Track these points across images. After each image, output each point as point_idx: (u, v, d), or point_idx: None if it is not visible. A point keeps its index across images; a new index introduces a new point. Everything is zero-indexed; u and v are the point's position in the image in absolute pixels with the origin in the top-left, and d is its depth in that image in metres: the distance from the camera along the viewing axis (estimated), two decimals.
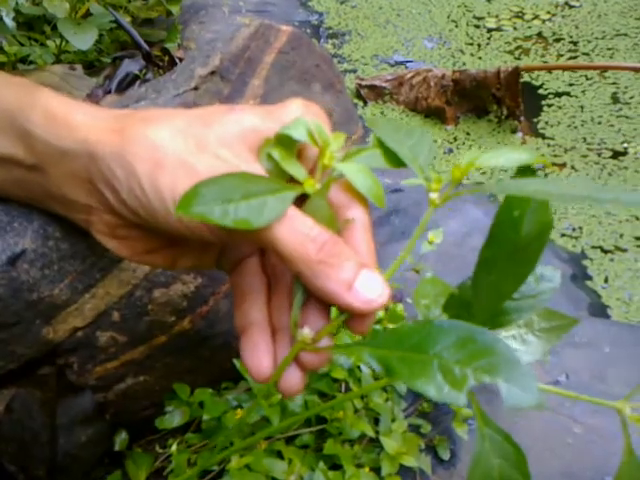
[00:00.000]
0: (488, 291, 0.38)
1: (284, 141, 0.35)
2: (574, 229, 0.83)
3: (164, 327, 0.50)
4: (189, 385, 0.53)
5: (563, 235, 0.82)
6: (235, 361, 0.52)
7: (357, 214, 0.35)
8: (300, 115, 0.35)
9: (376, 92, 1.03)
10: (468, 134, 1.03)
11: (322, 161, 0.34)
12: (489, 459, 0.44)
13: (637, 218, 0.85)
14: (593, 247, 0.81)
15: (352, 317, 0.34)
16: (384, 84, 1.03)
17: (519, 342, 0.57)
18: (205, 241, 0.36)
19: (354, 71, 1.12)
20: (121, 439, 0.53)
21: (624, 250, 0.80)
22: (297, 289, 0.35)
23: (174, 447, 0.51)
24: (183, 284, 0.50)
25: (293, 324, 0.35)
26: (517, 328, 0.58)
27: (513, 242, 0.37)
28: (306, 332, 0.34)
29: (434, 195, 0.34)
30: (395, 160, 0.37)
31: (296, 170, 0.34)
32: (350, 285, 0.32)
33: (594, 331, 0.68)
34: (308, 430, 0.51)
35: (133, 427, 0.54)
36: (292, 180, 0.35)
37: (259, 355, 0.36)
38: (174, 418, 0.52)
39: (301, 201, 0.34)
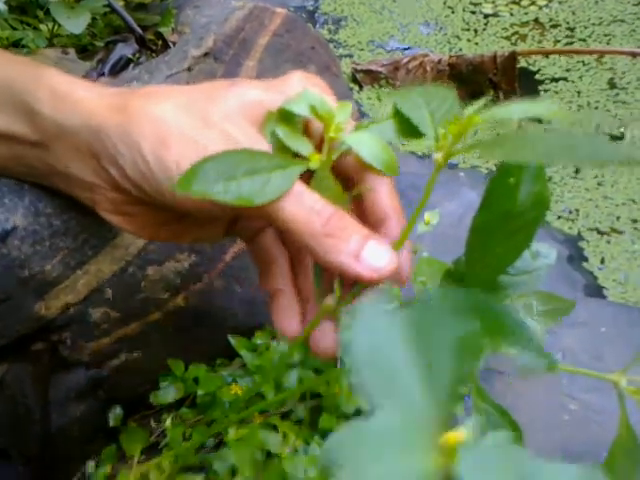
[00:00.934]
0: (483, 260, 0.38)
1: (288, 116, 0.34)
2: (570, 212, 0.83)
3: (158, 304, 0.50)
4: (184, 362, 0.53)
5: (559, 217, 0.82)
6: (230, 338, 0.52)
7: (375, 182, 0.36)
8: (302, 88, 0.35)
9: (372, 77, 1.03)
10: None
11: (328, 134, 0.34)
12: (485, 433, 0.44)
13: (634, 201, 0.84)
14: (589, 229, 0.80)
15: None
16: (380, 69, 1.02)
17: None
18: (212, 216, 0.37)
19: (350, 56, 1.12)
20: (115, 415, 0.53)
21: (621, 232, 0.80)
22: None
23: (168, 422, 0.51)
24: (176, 261, 0.50)
25: (317, 295, 0.36)
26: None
27: (508, 210, 0.37)
28: (329, 301, 0.35)
29: (438, 155, 0.33)
30: (410, 130, 0.35)
31: (300, 145, 0.34)
32: (357, 255, 0.32)
33: (590, 311, 0.68)
34: (303, 405, 0.51)
35: (127, 403, 0.54)
36: (298, 155, 0.34)
37: (288, 318, 0.38)
38: (168, 393, 0.52)
39: (309, 176, 0.34)
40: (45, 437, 0.48)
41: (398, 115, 0.36)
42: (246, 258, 0.55)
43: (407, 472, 0.19)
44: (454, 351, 0.22)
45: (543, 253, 0.42)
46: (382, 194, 0.36)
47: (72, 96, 0.37)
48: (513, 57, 1.03)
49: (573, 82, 1.09)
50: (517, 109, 0.34)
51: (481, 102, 0.33)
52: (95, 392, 0.51)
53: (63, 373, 0.49)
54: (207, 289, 0.52)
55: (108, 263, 0.47)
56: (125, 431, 0.53)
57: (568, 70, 1.13)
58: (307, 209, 0.32)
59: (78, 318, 0.48)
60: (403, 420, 0.21)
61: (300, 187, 0.33)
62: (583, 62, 1.15)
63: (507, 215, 0.37)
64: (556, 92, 1.07)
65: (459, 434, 0.19)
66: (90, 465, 0.50)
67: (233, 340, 0.52)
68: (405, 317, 0.23)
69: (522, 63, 1.12)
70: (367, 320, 0.23)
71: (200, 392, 0.50)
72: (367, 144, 0.34)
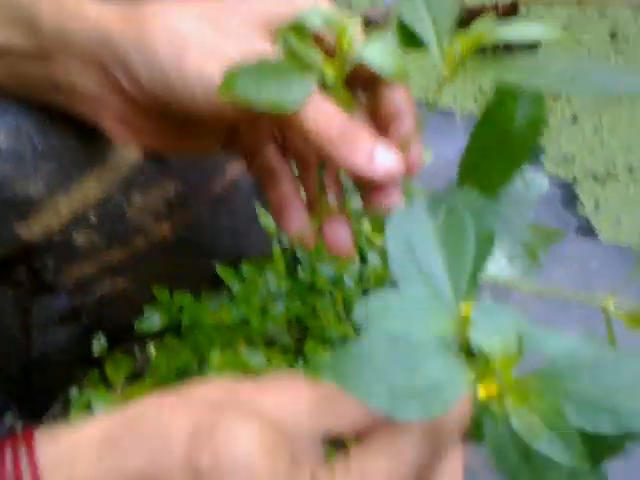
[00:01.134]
0: (475, 182, 0.37)
1: (300, 29, 0.35)
2: (567, 157, 0.82)
3: (143, 231, 0.49)
4: (170, 291, 0.53)
5: (555, 163, 0.81)
6: (217, 267, 0.52)
7: (389, 90, 0.37)
8: (312, 2, 0.36)
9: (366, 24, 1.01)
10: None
11: (340, 45, 0.34)
12: None
13: (631, 147, 0.84)
14: (585, 175, 0.80)
15: (373, 192, 0.36)
16: (374, 14, 1.00)
17: (506, 257, 0.57)
18: (219, 122, 0.39)
19: None
20: (100, 344, 0.52)
21: (616, 177, 0.79)
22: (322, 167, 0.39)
23: (152, 349, 0.50)
24: (163, 189, 0.49)
25: (321, 200, 0.39)
26: (501, 242, 0.58)
27: (507, 130, 0.36)
28: (331, 198, 0.39)
29: (444, 68, 0.33)
30: (411, 40, 0.35)
31: (314, 57, 0.34)
32: (371, 157, 0.34)
33: (582, 249, 0.67)
34: (289, 334, 0.51)
35: (112, 333, 0.53)
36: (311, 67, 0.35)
37: (297, 219, 0.41)
38: (153, 321, 0.51)
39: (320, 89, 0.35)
40: (27, 361, 0.48)
41: (400, 27, 0.36)
42: (234, 189, 0.54)
43: (430, 333, 0.22)
44: (474, 245, 0.26)
45: (536, 182, 0.41)
46: (397, 95, 0.37)
47: (79, 6, 0.36)
48: (515, 6, 1.01)
49: (574, 32, 1.08)
50: (520, 29, 0.33)
51: (487, 20, 0.34)
52: (78, 318, 0.50)
53: (45, 297, 0.48)
54: (194, 218, 0.51)
55: (93, 188, 0.47)
56: (110, 359, 0.53)
57: (569, 21, 1.11)
58: (326, 116, 0.34)
59: (61, 242, 0.47)
60: (428, 294, 0.25)
61: (318, 95, 0.34)
62: (585, 13, 1.13)
63: (505, 135, 0.36)
64: (557, 41, 1.05)
65: (473, 305, 0.22)
66: (73, 391, 0.50)
67: (220, 269, 0.51)
68: (433, 218, 0.27)
69: (523, 12, 1.10)
70: (403, 219, 0.28)
71: (185, 320, 0.50)
72: (380, 54, 0.34)
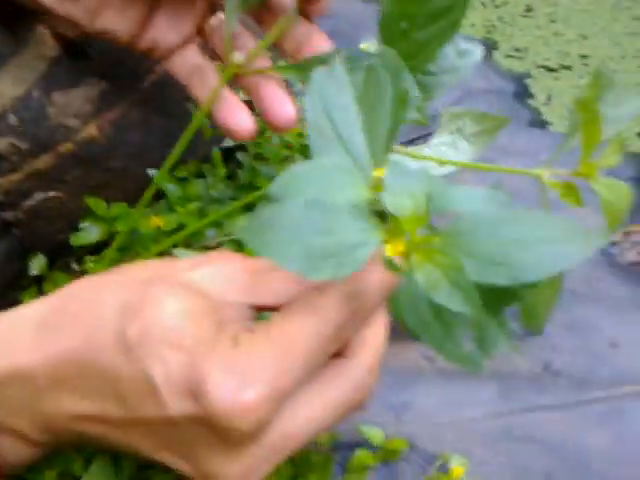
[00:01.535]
0: (402, 50, 0.35)
1: None
2: (519, 49, 0.80)
3: (68, 133, 0.46)
4: (106, 202, 0.51)
5: (507, 56, 0.79)
6: (149, 171, 0.50)
7: None
8: None
9: None
10: None
11: None
12: None
13: (585, 36, 0.81)
14: (538, 66, 0.78)
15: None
16: None
17: (451, 148, 0.56)
18: None
19: None
20: (39, 262, 0.51)
21: (569, 68, 0.77)
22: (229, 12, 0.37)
23: (91, 263, 0.49)
24: (86, 86, 0.46)
25: (227, 49, 0.38)
26: (449, 134, 0.56)
27: None
28: (237, 55, 0.37)
29: None
30: None
31: None
32: None
33: (532, 142, 0.66)
34: (230, 239, 0.49)
35: (49, 251, 0.52)
36: None
37: (237, 114, 0.40)
38: (90, 234, 0.50)
39: None
40: None
41: None
42: (165, 87, 0.51)
43: (346, 198, 0.23)
44: (390, 107, 0.26)
45: (469, 50, 0.40)
46: None
47: None
48: None
49: None
50: None
51: None
52: (10, 233, 0.48)
53: None
54: (123, 119, 0.49)
55: (10, 85, 0.44)
56: (49, 278, 0.51)
57: None
58: None
59: None
60: (346, 159, 0.25)
61: None
62: None
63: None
64: None
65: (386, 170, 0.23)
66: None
67: (153, 172, 0.49)
68: (353, 79, 0.26)
69: None
70: (322, 81, 0.26)
71: (121, 228, 0.48)
72: None
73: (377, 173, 0.23)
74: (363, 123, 0.25)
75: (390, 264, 0.22)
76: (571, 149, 0.46)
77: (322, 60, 0.32)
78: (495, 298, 0.23)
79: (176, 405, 0.25)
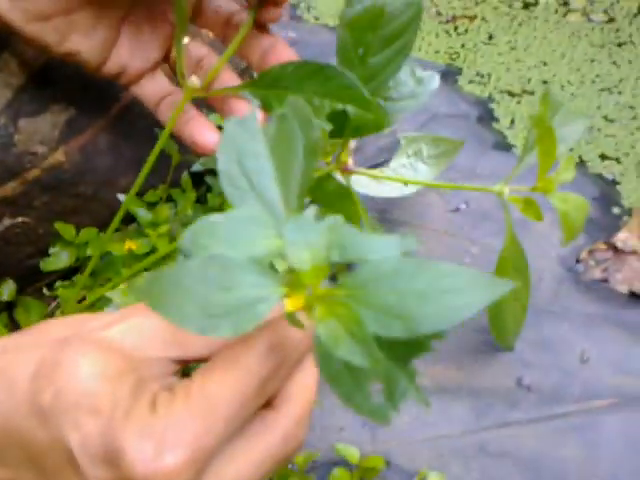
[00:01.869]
0: (358, 74, 0.36)
1: None
2: (482, 75, 0.82)
3: (35, 159, 0.46)
4: (75, 228, 0.50)
5: (471, 82, 0.81)
6: (119, 196, 0.50)
7: None
8: None
9: None
10: None
11: None
12: None
13: (545, 63, 0.84)
14: (501, 91, 0.80)
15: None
16: None
17: (410, 170, 0.57)
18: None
19: None
20: (9, 288, 0.50)
21: (532, 93, 0.79)
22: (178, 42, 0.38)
23: (62, 288, 0.49)
24: (52, 113, 0.47)
25: (179, 75, 0.39)
26: (407, 157, 0.57)
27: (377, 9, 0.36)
28: (194, 80, 0.38)
29: None
30: None
31: None
32: None
33: (496, 164, 0.68)
34: None
35: (20, 277, 0.51)
36: None
37: (203, 130, 0.42)
38: (60, 259, 0.49)
39: None
40: None
41: None
42: (132, 113, 0.52)
43: (255, 252, 0.22)
44: (302, 156, 0.25)
45: (426, 78, 0.41)
46: None
47: None
48: None
49: None
50: None
51: None
52: None
53: None
54: (90, 144, 0.49)
55: None
56: (20, 304, 0.51)
57: None
58: None
59: None
60: (256, 212, 0.24)
61: None
62: None
63: (376, 14, 0.35)
64: None
65: (298, 217, 0.22)
66: None
67: (123, 197, 0.49)
68: (266, 129, 0.26)
69: None
70: (235, 132, 0.26)
71: (91, 253, 0.48)
72: None
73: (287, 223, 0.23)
74: (276, 172, 0.25)
75: (291, 319, 0.21)
76: (529, 166, 0.47)
77: (274, 76, 0.33)
78: (403, 349, 0.23)
79: (94, 472, 0.24)
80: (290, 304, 0.21)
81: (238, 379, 0.24)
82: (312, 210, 0.23)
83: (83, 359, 0.25)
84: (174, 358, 0.26)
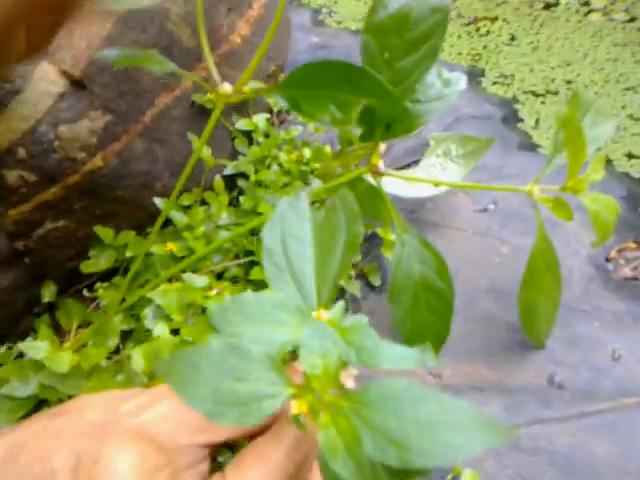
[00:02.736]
0: (385, 78, 0.37)
1: None
2: (506, 77, 0.82)
3: (75, 165, 0.47)
4: (113, 230, 0.52)
5: (494, 83, 0.81)
6: (155, 199, 0.51)
7: None
8: None
9: None
10: None
11: None
12: (410, 263, 0.44)
13: (568, 63, 0.84)
14: (525, 92, 0.80)
15: None
16: None
17: (439, 169, 0.57)
18: None
19: None
20: (50, 290, 0.52)
21: (555, 93, 0.79)
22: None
23: (101, 290, 0.50)
24: (90, 120, 0.48)
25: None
26: (436, 157, 0.58)
27: (404, 15, 0.36)
28: (225, 86, 0.38)
29: None
30: None
31: None
32: None
33: (523, 164, 0.68)
34: (236, 263, 0.50)
35: (60, 279, 0.53)
36: None
37: None
38: (100, 261, 0.51)
39: None
40: None
41: None
42: (166, 119, 0.53)
43: (272, 340, 0.23)
44: (342, 249, 0.26)
45: (453, 80, 0.41)
46: None
47: None
48: None
49: None
50: None
51: None
52: (20, 262, 0.49)
53: None
54: (126, 150, 0.50)
55: (16, 120, 0.45)
56: (62, 306, 0.52)
57: None
58: None
59: None
60: (284, 299, 0.24)
61: None
62: None
63: (402, 19, 0.36)
64: None
65: (325, 314, 0.23)
66: (25, 341, 0.49)
67: (159, 201, 0.50)
68: (315, 215, 0.27)
69: None
70: (285, 212, 0.27)
71: (132, 254, 0.49)
72: None
73: (317, 315, 0.24)
74: (316, 261, 0.26)
75: (296, 421, 0.22)
76: (558, 167, 0.48)
77: (302, 76, 0.33)
78: (400, 470, 0.23)
79: None
80: (297, 406, 0.21)
81: (269, 475, 0.25)
82: (341, 305, 0.24)
83: (121, 455, 0.26)
84: (203, 443, 0.27)
